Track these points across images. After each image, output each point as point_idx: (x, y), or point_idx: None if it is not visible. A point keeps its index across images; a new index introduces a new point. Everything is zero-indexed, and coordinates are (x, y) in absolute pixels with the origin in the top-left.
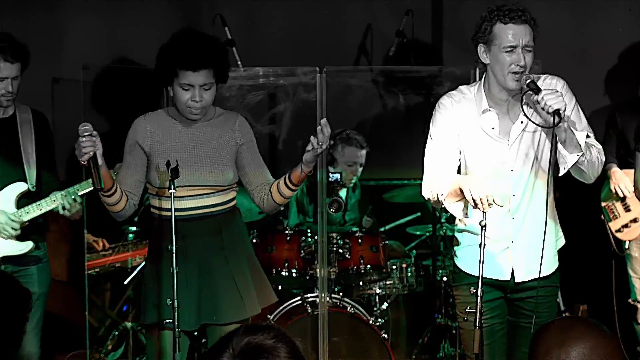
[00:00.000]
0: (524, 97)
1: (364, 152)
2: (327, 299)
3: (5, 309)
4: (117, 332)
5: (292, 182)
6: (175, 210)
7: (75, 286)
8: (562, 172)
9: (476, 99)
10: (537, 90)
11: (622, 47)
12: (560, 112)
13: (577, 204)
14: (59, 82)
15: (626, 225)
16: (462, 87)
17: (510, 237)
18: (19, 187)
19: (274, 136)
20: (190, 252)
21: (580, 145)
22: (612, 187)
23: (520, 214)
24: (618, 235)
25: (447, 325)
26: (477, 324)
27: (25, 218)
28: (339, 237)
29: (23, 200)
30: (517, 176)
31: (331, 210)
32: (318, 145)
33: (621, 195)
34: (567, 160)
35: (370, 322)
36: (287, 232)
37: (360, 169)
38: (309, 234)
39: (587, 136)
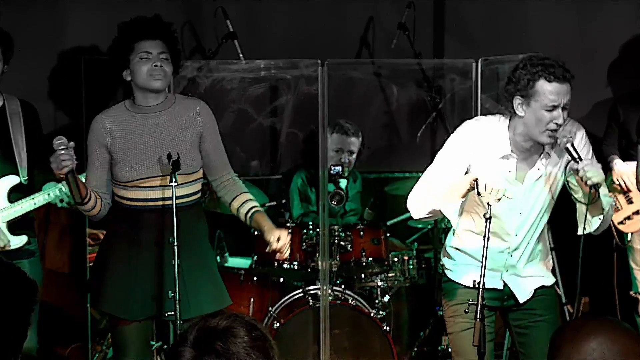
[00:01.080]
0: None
1: (353, 139)
2: (329, 291)
3: (12, 300)
4: None
5: (250, 224)
6: (137, 200)
7: (76, 279)
8: (580, 231)
9: (498, 137)
10: (578, 159)
11: (624, 40)
12: (599, 186)
13: None
14: (58, 74)
15: (628, 218)
16: (483, 119)
17: (505, 268)
18: (11, 181)
19: (275, 129)
20: (145, 244)
21: (602, 209)
22: (614, 180)
23: (518, 252)
24: (620, 227)
25: None
26: (478, 316)
27: (19, 213)
28: (340, 230)
29: (15, 194)
30: (524, 219)
31: (333, 202)
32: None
33: (623, 187)
34: (592, 224)
35: (372, 314)
36: (288, 224)
37: (353, 157)
38: (311, 227)
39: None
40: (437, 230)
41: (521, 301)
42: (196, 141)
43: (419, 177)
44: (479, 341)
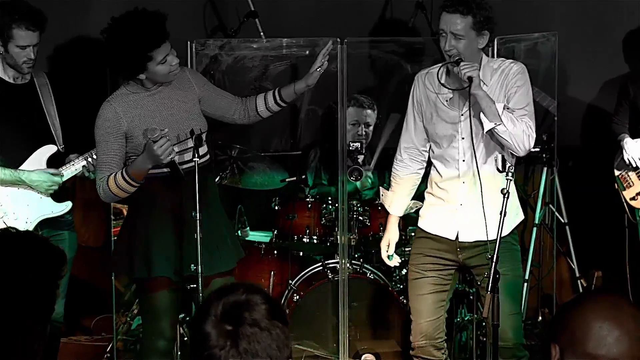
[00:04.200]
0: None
1: (369, 111)
2: (348, 265)
3: (40, 272)
4: None
5: (282, 99)
6: (168, 167)
7: (101, 252)
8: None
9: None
10: (458, 63)
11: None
12: (473, 78)
13: (590, 173)
14: (83, 53)
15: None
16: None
17: (459, 200)
18: (49, 149)
19: (295, 106)
20: (186, 206)
21: (499, 116)
22: (625, 158)
23: (469, 179)
24: (632, 203)
25: (465, 291)
26: (489, 289)
27: (65, 178)
28: (359, 205)
29: (53, 165)
30: (467, 143)
31: (352, 178)
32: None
33: (634, 164)
34: (485, 125)
35: (390, 287)
36: (308, 199)
37: (370, 130)
38: (330, 202)
39: (507, 108)
40: None
41: (463, 240)
42: (197, 102)
43: None
44: (491, 313)
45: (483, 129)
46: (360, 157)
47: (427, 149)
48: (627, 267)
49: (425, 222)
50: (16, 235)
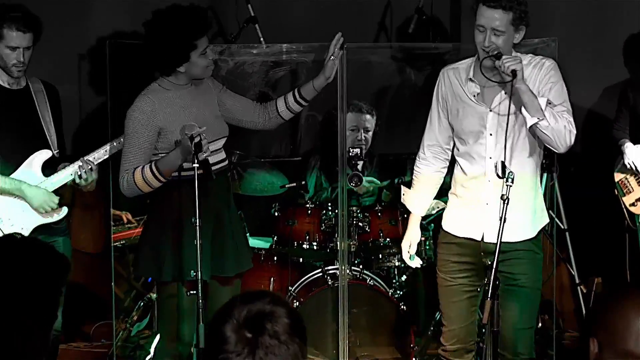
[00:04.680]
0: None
1: (368, 116)
2: (347, 271)
3: (44, 275)
4: (142, 303)
5: (302, 97)
6: (200, 165)
7: (101, 258)
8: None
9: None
10: (499, 57)
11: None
12: (517, 72)
13: (590, 179)
14: (85, 58)
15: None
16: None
17: (485, 200)
18: (44, 155)
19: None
20: (211, 205)
21: (542, 111)
22: (625, 162)
23: (495, 177)
24: (632, 209)
25: None
26: (489, 296)
27: (57, 186)
28: (359, 211)
29: (49, 168)
30: (494, 140)
31: (351, 184)
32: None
33: (634, 168)
34: (527, 121)
35: (389, 294)
36: (308, 205)
37: (369, 135)
38: (330, 208)
39: (550, 103)
40: None
41: (489, 240)
42: (218, 106)
43: None
44: (490, 319)
45: (517, 125)
46: (360, 163)
47: (451, 147)
48: (628, 274)
49: (450, 224)
50: (21, 241)
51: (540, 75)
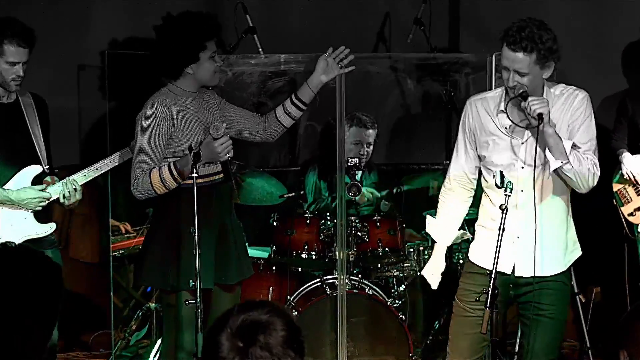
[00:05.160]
0: (511, 103)
1: (370, 131)
2: (346, 280)
3: (42, 287)
4: (141, 313)
5: (299, 99)
6: (204, 176)
7: (100, 268)
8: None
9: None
10: (526, 97)
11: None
12: (543, 116)
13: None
14: (84, 69)
15: (638, 209)
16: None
17: (516, 233)
18: (34, 170)
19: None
20: (216, 213)
21: (566, 154)
22: (623, 172)
23: (528, 211)
24: (630, 219)
25: None
26: (488, 305)
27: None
28: (357, 221)
29: (38, 183)
30: (527, 173)
31: (350, 194)
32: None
33: (632, 180)
34: (551, 164)
35: (388, 303)
36: (306, 215)
37: (370, 149)
38: (328, 218)
39: (575, 146)
40: None
41: (520, 275)
42: (220, 118)
43: (434, 169)
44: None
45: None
46: (359, 173)
47: (477, 176)
48: (627, 283)
49: (477, 256)
50: (15, 249)
51: (572, 109)
